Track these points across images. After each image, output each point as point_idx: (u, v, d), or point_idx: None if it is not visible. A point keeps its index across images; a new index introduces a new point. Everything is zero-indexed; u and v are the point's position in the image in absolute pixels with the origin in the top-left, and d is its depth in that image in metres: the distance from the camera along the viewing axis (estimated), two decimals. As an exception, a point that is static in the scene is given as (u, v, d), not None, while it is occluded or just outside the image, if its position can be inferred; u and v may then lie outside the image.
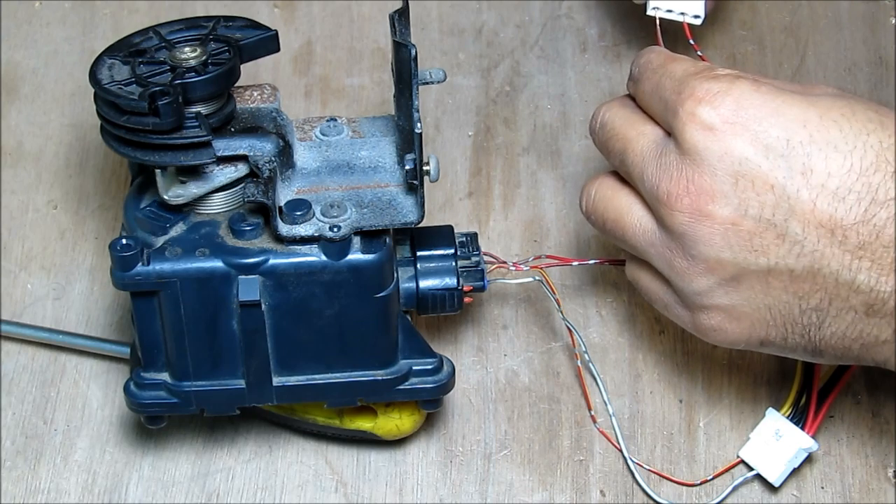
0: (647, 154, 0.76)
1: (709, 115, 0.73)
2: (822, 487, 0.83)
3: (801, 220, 0.72)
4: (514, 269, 0.84)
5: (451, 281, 0.80)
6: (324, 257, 0.75)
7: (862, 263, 0.72)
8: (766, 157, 0.72)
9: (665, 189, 0.75)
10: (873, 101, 0.75)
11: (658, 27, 0.88)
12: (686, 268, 0.75)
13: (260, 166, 0.76)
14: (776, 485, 0.82)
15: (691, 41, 0.87)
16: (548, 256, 0.86)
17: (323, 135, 0.81)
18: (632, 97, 0.80)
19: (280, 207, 0.76)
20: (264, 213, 0.76)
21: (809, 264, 0.73)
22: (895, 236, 0.71)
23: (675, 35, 0.89)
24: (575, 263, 0.85)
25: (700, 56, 0.85)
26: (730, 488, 0.83)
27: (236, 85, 0.78)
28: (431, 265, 0.81)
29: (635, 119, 0.78)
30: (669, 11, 0.89)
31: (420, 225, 0.77)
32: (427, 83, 0.78)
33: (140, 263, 0.74)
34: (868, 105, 0.74)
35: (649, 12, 0.89)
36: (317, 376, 0.79)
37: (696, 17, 0.89)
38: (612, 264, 0.85)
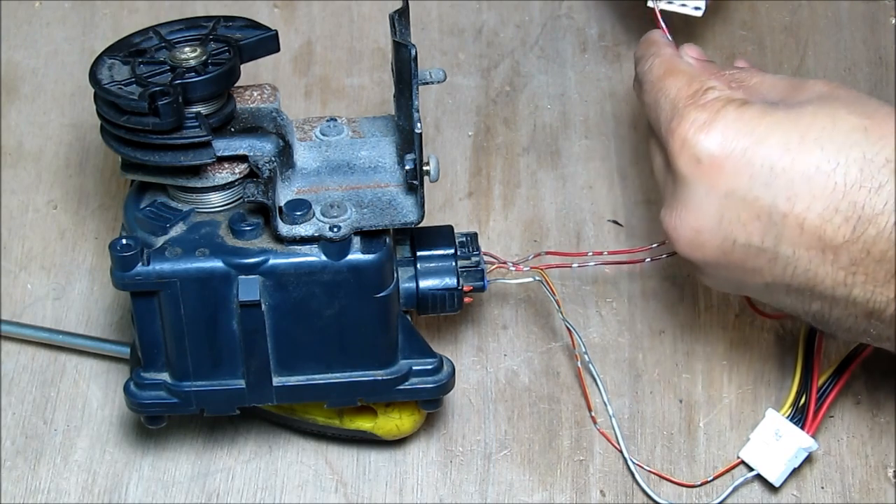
0: (658, 171, 0.79)
1: (694, 149, 0.74)
2: (822, 487, 0.83)
3: (790, 244, 0.73)
4: (514, 269, 0.84)
5: (451, 281, 0.80)
6: (324, 257, 0.75)
7: (856, 279, 0.72)
8: (751, 187, 0.73)
9: (663, 214, 0.77)
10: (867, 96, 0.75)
11: (659, 17, 0.86)
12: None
13: (260, 166, 0.76)
14: (776, 485, 0.82)
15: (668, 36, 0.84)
16: (548, 253, 0.86)
17: (323, 135, 0.81)
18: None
19: (280, 207, 0.76)
20: (264, 213, 0.76)
21: (805, 281, 0.74)
22: (893, 248, 0.71)
23: (673, 30, 0.89)
24: (575, 266, 0.85)
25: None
26: (730, 489, 0.83)
27: (236, 85, 0.78)
28: (431, 265, 0.81)
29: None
30: (670, 3, 0.88)
31: (420, 225, 0.77)
32: (427, 83, 0.78)
33: (140, 263, 0.74)
34: (852, 108, 0.73)
35: (650, 4, 0.88)
36: (317, 376, 0.79)
37: (697, 8, 0.87)
38: (612, 254, 0.85)
